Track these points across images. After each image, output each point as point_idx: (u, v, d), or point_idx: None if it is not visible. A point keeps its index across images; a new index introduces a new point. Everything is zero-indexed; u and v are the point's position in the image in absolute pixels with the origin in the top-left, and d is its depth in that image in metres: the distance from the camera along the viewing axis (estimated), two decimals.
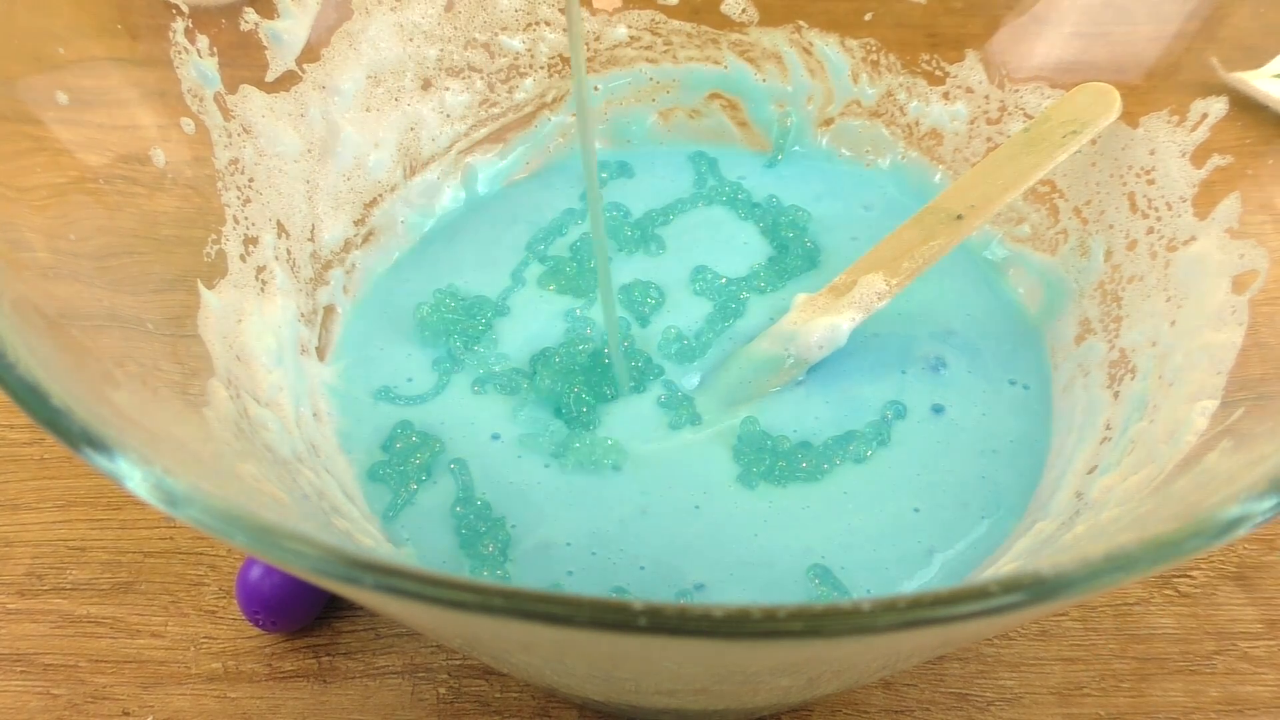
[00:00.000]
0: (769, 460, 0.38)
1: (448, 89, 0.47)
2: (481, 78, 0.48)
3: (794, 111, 0.50)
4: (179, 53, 0.38)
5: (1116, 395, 0.38)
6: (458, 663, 0.39)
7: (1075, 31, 0.44)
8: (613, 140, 0.51)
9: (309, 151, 0.43)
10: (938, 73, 0.47)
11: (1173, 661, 0.38)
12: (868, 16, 0.48)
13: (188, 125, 0.38)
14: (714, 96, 0.51)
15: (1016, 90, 0.46)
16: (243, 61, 0.40)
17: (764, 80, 0.50)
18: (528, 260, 0.46)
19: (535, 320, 0.44)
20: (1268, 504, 0.22)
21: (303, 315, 0.42)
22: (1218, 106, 0.39)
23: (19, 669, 0.39)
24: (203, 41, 0.39)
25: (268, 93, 0.41)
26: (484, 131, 0.49)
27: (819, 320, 0.41)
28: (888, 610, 0.19)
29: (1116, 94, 0.42)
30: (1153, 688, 0.38)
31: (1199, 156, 0.39)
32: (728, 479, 0.38)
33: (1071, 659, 0.38)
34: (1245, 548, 0.41)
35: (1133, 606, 0.39)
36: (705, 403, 0.41)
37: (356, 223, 0.45)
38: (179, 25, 0.38)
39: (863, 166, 0.50)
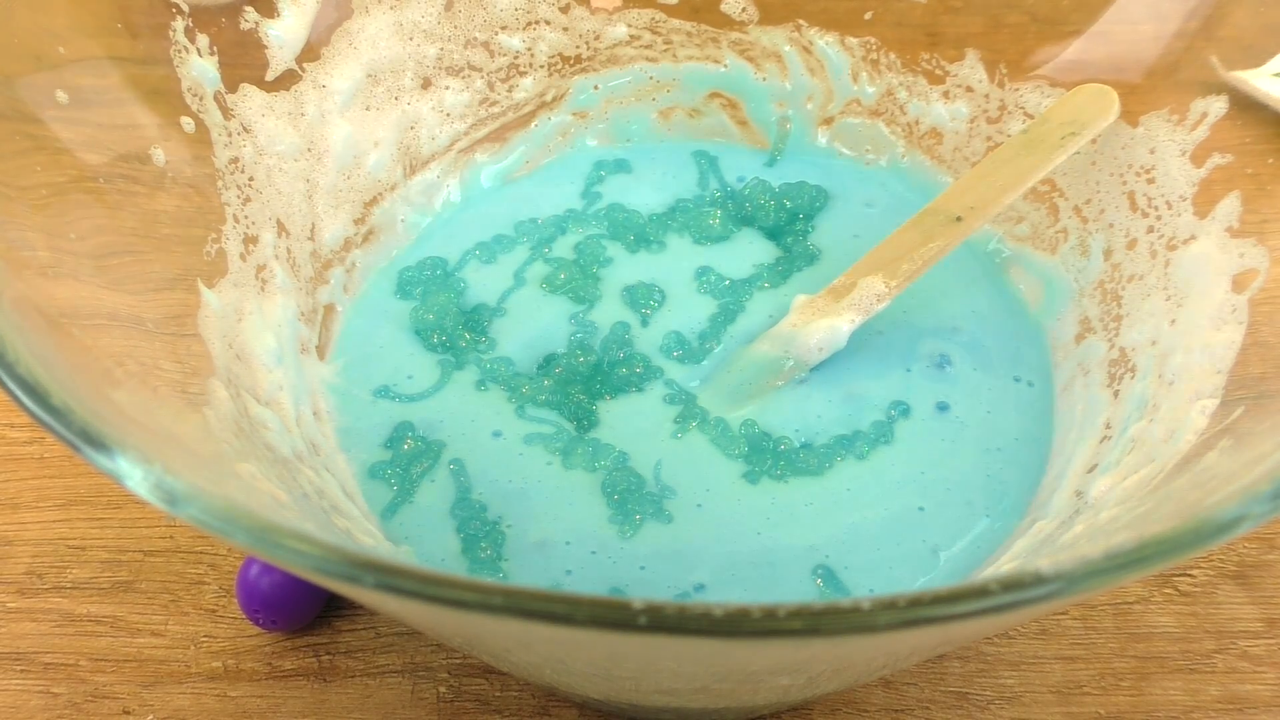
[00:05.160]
0: (771, 460, 0.38)
1: (447, 88, 0.47)
2: (481, 77, 0.48)
3: (794, 110, 0.50)
4: (179, 52, 0.38)
5: (1116, 394, 0.38)
6: (458, 662, 0.39)
7: (1075, 31, 0.44)
8: (613, 139, 0.51)
9: (309, 150, 0.43)
10: (938, 72, 0.47)
11: (1172, 660, 0.38)
12: (868, 15, 0.48)
13: (187, 124, 0.38)
14: (714, 95, 0.51)
15: (1016, 90, 0.46)
16: (243, 60, 0.40)
17: (764, 79, 0.50)
18: (530, 260, 0.46)
19: (537, 320, 0.44)
20: (1268, 504, 0.22)
21: (303, 314, 0.42)
22: (1218, 106, 0.39)
23: (19, 668, 0.39)
24: (202, 41, 0.39)
25: (268, 92, 0.41)
26: (484, 130, 0.49)
27: (818, 322, 0.41)
28: (887, 609, 0.19)
29: (1115, 95, 0.42)
30: (1152, 686, 0.38)
31: (1199, 155, 0.39)
32: (730, 478, 0.38)
33: (1071, 658, 0.38)
34: (1245, 547, 0.41)
35: (1133, 605, 0.39)
36: (708, 402, 0.41)
37: (356, 221, 0.45)
38: (179, 24, 0.38)
39: (863, 165, 0.50)
